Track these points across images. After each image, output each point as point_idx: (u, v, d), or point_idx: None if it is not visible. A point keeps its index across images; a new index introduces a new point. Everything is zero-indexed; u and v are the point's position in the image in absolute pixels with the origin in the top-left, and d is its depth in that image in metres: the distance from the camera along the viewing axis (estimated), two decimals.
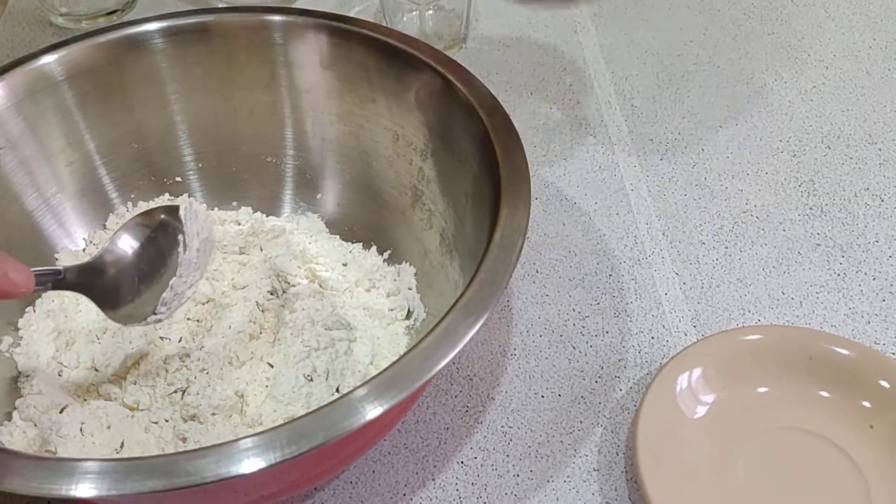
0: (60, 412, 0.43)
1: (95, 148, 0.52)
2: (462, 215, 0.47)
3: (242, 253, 0.52)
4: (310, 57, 0.52)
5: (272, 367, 0.46)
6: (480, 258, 0.39)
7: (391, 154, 0.52)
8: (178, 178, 0.55)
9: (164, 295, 0.41)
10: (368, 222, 0.54)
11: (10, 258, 0.35)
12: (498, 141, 0.44)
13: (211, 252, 0.43)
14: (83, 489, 0.30)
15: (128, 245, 0.41)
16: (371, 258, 0.53)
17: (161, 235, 0.42)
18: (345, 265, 0.52)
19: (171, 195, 0.55)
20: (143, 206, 0.54)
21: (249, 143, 0.55)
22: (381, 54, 0.50)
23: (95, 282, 0.40)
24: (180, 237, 0.42)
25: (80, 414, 0.42)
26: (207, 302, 0.49)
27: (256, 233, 0.53)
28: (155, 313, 0.41)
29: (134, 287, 0.41)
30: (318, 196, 0.56)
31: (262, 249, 0.53)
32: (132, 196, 0.54)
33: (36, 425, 0.42)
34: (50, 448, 0.41)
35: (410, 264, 0.52)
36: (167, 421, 0.43)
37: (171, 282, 0.41)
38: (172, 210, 0.42)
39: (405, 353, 0.35)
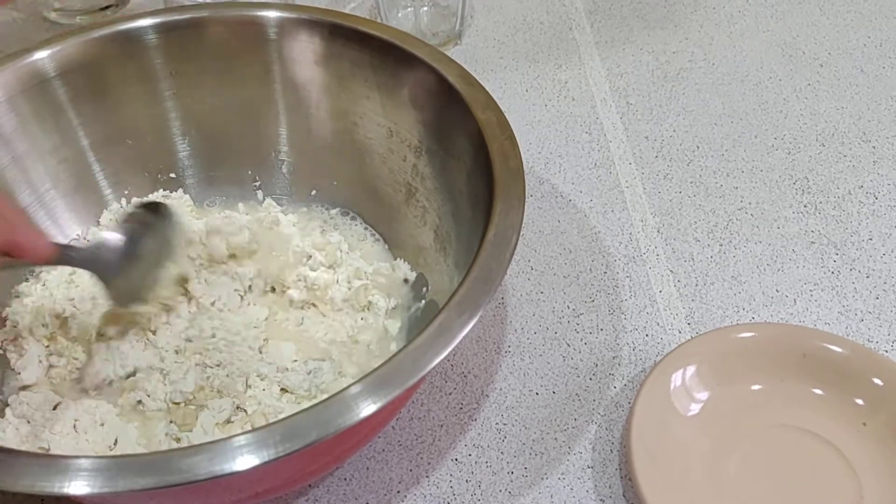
0: (54, 409, 0.43)
1: (89, 144, 0.52)
2: (456, 212, 0.47)
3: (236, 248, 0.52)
4: (304, 54, 0.52)
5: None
6: (474, 255, 0.39)
7: (385, 151, 0.52)
8: (173, 175, 0.55)
9: (152, 279, 0.45)
10: (363, 218, 0.54)
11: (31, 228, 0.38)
12: (492, 138, 0.44)
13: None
14: (76, 487, 0.30)
15: (126, 232, 0.44)
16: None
17: (154, 226, 0.45)
18: (338, 261, 0.52)
19: (164, 191, 0.55)
20: (138, 202, 0.54)
21: (243, 140, 0.55)
22: (375, 51, 0.50)
23: (100, 259, 0.43)
24: (170, 230, 0.46)
25: (73, 411, 0.42)
26: (209, 304, 0.49)
27: (251, 228, 0.53)
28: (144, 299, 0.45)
29: (131, 269, 0.44)
30: (313, 192, 0.55)
31: (256, 244, 0.52)
32: (126, 192, 0.54)
33: (29, 422, 0.42)
34: (43, 445, 0.41)
35: (405, 260, 0.52)
36: (161, 420, 0.43)
37: (159, 271, 0.45)
38: (163, 205, 0.46)
39: (399, 351, 0.35)
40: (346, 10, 0.70)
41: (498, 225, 0.40)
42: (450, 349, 0.35)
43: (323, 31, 0.51)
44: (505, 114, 0.45)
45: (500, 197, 0.41)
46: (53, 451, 0.40)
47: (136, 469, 0.31)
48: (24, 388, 0.45)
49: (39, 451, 0.40)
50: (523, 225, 0.40)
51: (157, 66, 0.52)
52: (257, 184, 0.56)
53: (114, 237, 0.44)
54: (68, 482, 0.30)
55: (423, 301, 0.50)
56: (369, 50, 0.50)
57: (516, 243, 0.39)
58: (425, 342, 0.35)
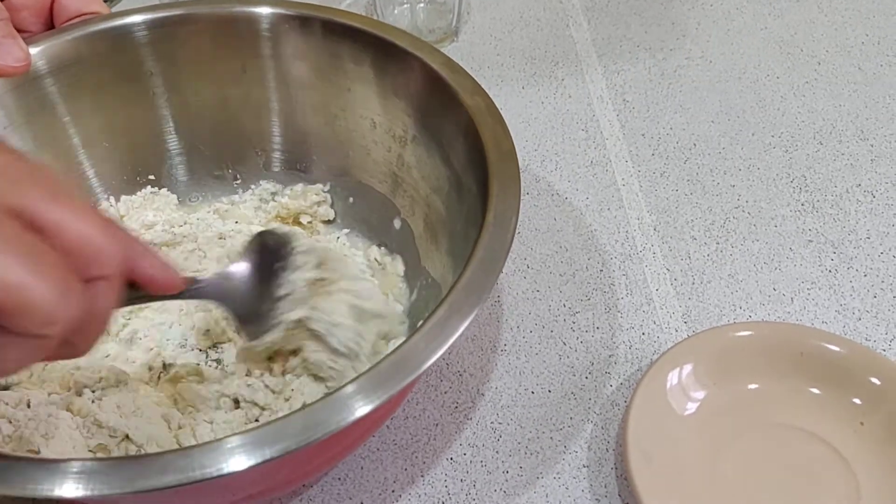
0: (27, 406, 0.43)
1: (80, 142, 0.51)
2: (446, 200, 0.47)
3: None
4: (287, 49, 0.52)
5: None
6: (475, 239, 0.38)
7: (369, 142, 0.52)
8: (153, 176, 0.54)
9: (279, 311, 0.41)
10: (350, 211, 0.54)
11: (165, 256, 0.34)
12: (482, 123, 0.43)
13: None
14: (70, 489, 0.30)
15: (252, 262, 0.42)
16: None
17: (278, 255, 0.42)
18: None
19: (152, 188, 0.54)
20: (126, 199, 0.53)
21: (229, 135, 0.54)
22: (356, 43, 0.49)
23: (229, 293, 0.40)
24: (291, 260, 0.42)
25: (49, 408, 0.42)
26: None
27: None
28: (270, 331, 0.42)
29: (259, 302, 0.41)
30: (297, 186, 0.55)
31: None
32: (112, 192, 0.53)
33: (10, 422, 0.41)
34: (32, 448, 0.40)
35: (396, 252, 0.51)
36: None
37: (281, 303, 0.42)
38: (286, 234, 0.43)
39: (400, 345, 0.34)
40: (342, 7, 0.70)
41: (496, 208, 0.39)
42: (453, 340, 0.34)
43: (306, 26, 0.50)
44: (501, 111, 0.45)
45: (495, 180, 0.40)
46: (44, 452, 0.40)
47: (130, 470, 0.30)
48: (5, 388, 0.44)
49: (29, 454, 0.40)
50: (518, 223, 0.40)
51: (146, 64, 0.52)
52: (245, 181, 0.56)
53: (239, 267, 0.41)
54: (61, 484, 0.30)
55: (416, 291, 0.49)
56: (350, 42, 0.50)
57: (516, 225, 0.39)
58: (425, 336, 0.34)
